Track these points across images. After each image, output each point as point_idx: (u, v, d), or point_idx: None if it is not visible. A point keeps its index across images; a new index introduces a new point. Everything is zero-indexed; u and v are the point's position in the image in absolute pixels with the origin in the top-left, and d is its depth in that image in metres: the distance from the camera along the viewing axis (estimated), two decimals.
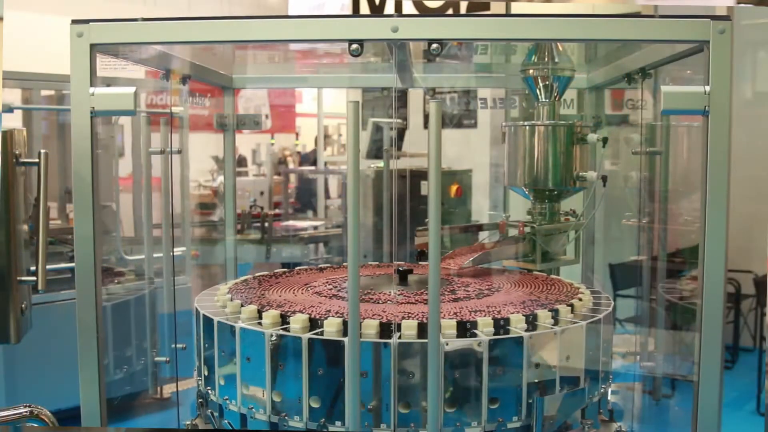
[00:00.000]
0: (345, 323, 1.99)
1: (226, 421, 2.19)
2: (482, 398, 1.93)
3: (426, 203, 1.84)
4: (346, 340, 1.91)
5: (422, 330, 1.95)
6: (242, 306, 2.20)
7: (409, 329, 1.95)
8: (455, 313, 2.07)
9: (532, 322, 2.07)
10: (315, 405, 1.96)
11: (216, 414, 2.24)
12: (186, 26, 1.87)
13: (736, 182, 1.81)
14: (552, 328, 2.04)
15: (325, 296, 2.33)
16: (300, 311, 2.10)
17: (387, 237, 3.35)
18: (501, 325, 2.01)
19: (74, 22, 1.83)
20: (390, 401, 1.93)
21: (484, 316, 2.03)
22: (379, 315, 2.05)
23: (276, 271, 2.83)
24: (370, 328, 1.96)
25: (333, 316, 2.03)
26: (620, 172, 4.81)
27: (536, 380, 1.98)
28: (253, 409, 2.06)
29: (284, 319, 2.07)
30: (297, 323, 2.03)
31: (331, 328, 1.98)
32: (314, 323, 2.03)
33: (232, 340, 2.09)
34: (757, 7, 4.62)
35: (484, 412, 1.93)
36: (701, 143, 1.79)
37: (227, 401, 2.15)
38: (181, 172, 5.10)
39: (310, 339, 1.96)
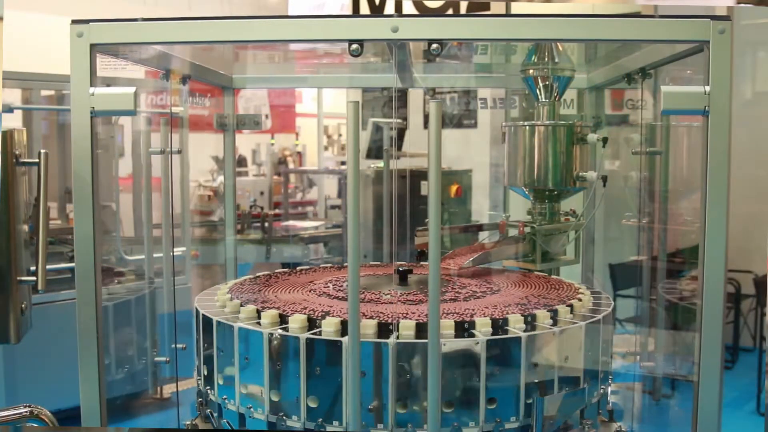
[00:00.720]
0: (310, 320, 2.04)
1: (208, 411, 2.27)
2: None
3: (426, 203, 1.84)
4: (302, 336, 1.96)
5: (381, 330, 1.96)
6: (229, 301, 2.27)
7: (366, 329, 1.96)
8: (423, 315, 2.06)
9: (501, 327, 2.03)
10: (275, 398, 2.01)
11: (201, 400, 2.32)
12: (186, 26, 1.87)
13: (736, 182, 1.81)
14: (519, 333, 2.00)
15: (316, 294, 2.36)
16: (275, 308, 2.14)
17: (387, 237, 3.34)
18: (465, 328, 2.00)
19: (74, 22, 1.83)
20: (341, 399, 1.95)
21: (453, 318, 2.02)
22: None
23: (300, 268, 2.89)
24: (330, 325, 1.99)
25: (300, 313, 2.06)
26: (620, 172, 4.82)
27: (497, 385, 1.95)
28: (227, 399, 2.13)
29: (260, 315, 2.12)
30: (266, 318, 2.07)
31: (294, 325, 2.02)
32: (283, 319, 2.08)
33: (212, 332, 2.17)
34: (757, 7, 4.62)
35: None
36: (701, 143, 1.79)
37: (209, 390, 2.23)
38: (181, 172, 5.11)
39: (270, 334, 2.00)
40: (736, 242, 1.97)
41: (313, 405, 1.95)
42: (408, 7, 5.55)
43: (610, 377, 2.37)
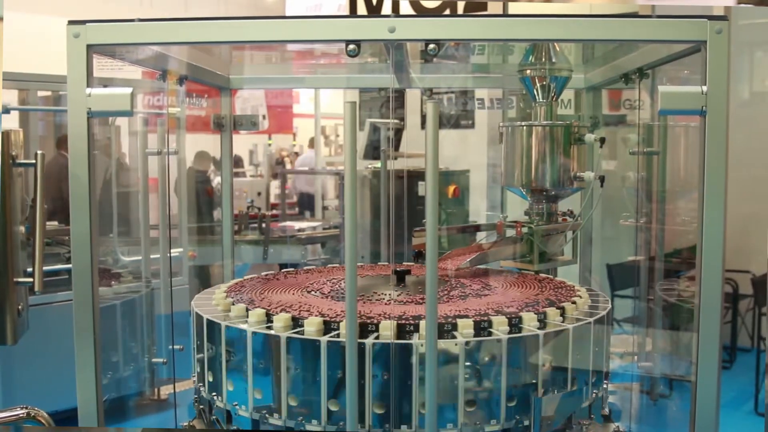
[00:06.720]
0: (267, 315, 2.09)
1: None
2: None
3: (423, 204, 1.83)
4: (247, 329, 2.03)
5: (327, 328, 1.99)
6: (225, 300, 2.32)
7: (310, 326, 1.98)
8: (394, 316, 2.06)
9: (450, 332, 2.00)
10: (229, 389, 2.09)
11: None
12: (183, 27, 1.86)
13: (734, 182, 1.81)
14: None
15: (311, 293, 2.40)
16: (242, 303, 2.22)
17: (384, 238, 3.34)
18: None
19: (71, 22, 1.82)
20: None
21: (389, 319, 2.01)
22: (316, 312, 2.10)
23: (333, 266, 2.95)
24: (280, 320, 2.03)
25: (258, 308, 2.12)
26: (618, 172, 4.81)
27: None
28: (201, 387, 2.19)
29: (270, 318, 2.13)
30: (234, 312, 2.16)
31: (252, 318, 2.08)
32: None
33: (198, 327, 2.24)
34: (755, 7, 4.62)
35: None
36: (698, 143, 1.79)
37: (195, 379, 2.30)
38: (178, 173, 5.10)
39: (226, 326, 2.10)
40: (733, 242, 1.97)
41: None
42: (405, 8, 5.55)
43: (607, 377, 2.37)
